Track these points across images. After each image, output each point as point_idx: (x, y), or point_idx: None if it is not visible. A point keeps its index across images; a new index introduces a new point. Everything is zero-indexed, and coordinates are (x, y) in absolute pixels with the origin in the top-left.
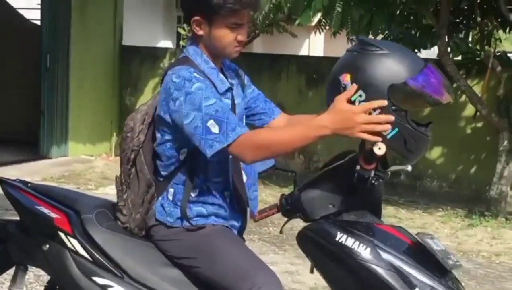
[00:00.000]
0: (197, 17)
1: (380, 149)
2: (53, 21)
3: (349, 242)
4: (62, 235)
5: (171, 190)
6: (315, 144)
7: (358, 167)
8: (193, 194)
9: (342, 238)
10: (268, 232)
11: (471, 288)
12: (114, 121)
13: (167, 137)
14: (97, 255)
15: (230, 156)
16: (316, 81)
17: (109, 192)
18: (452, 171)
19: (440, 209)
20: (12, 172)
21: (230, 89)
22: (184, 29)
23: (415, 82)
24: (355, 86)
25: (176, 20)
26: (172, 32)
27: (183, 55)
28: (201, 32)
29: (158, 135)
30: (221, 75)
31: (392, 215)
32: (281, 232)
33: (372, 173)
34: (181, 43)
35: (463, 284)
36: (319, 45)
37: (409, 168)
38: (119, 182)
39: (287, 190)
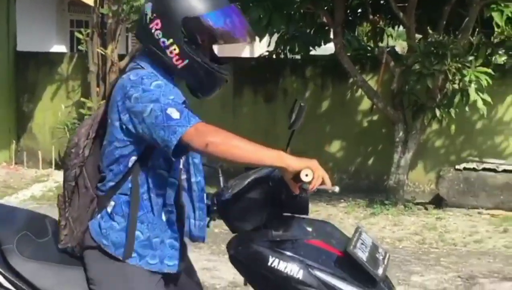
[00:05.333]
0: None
1: (307, 176)
2: None
3: (282, 266)
4: None
5: (112, 203)
6: None
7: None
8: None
9: (274, 262)
10: None
11: None
12: (12, 129)
13: (116, 144)
14: (23, 287)
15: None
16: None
17: (13, 201)
18: (351, 163)
19: (342, 200)
20: None
21: (185, 102)
22: (81, 33)
23: (209, 18)
24: None
25: (69, 24)
26: (65, 36)
27: (135, 65)
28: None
29: (105, 141)
30: (176, 88)
31: None
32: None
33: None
34: (80, 47)
35: None
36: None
37: (337, 189)
38: (62, 200)
39: None
